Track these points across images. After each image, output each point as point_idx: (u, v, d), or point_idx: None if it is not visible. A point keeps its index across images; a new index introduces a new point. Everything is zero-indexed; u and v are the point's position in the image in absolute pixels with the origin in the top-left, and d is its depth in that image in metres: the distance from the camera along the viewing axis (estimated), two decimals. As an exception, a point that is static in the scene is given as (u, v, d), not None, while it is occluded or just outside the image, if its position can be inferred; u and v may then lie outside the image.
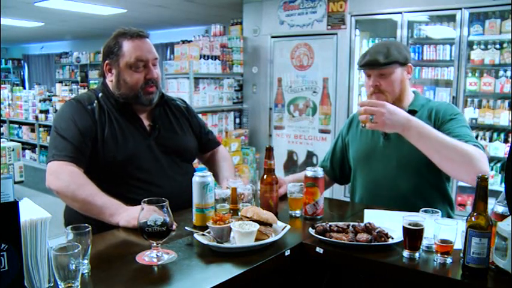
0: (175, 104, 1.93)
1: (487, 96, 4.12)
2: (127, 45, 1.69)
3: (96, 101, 1.73)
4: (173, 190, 1.70)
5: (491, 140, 4.08)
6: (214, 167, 2.00)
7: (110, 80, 1.75)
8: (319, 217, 1.63)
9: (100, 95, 1.76)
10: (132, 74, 1.69)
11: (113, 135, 1.68)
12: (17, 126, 7.24)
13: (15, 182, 3.15)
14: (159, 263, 1.20)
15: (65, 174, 1.57)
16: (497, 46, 3.97)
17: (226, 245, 1.31)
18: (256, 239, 1.31)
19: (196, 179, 1.50)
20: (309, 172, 1.64)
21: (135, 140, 1.72)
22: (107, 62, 1.74)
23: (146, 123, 1.78)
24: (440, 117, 1.80)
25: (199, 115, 5.42)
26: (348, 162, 2.07)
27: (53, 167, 1.60)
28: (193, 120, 1.96)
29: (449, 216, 1.85)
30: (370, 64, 1.81)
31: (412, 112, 1.84)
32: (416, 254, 1.26)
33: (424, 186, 1.82)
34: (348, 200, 2.13)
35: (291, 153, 5.39)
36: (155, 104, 1.79)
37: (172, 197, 1.60)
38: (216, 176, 1.89)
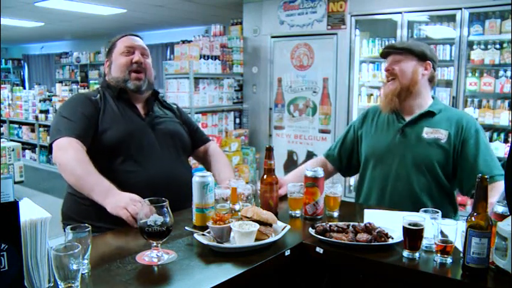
0: (167, 102, 2.07)
1: (487, 96, 4.12)
2: (120, 41, 1.92)
3: (98, 94, 1.86)
4: (164, 173, 1.76)
5: (491, 140, 4.08)
6: (211, 169, 2.02)
7: (107, 71, 1.93)
8: (319, 217, 1.64)
9: (100, 89, 1.91)
10: (121, 58, 1.87)
11: (112, 118, 1.79)
12: (17, 126, 7.24)
13: (15, 182, 3.15)
14: (159, 263, 1.21)
15: (71, 150, 1.64)
16: (497, 46, 3.97)
17: (226, 245, 1.31)
18: (256, 239, 1.32)
19: (196, 179, 1.50)
20: (309, 172, 1.64)
21: (131, 120, 1.82)
22: (106, 58, 1.96)
23: (142, 112, 1.89)
24: (464, 129, 1.84)
25: (199, 115, 5.43)
26: (357, 155, 2.08)
27: (62, 142, 1.67)
28: (183, 117, 2.07)
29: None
30: (388, 47, 1.97)
31: (430, 113, 1.89)
32: (416, 254, 1.26)
33: (436, 187, 1.84)
34: (349, 200, 2.13)
35: (291, 153, 5.39)
36: (149, 95, 1.93)
37: (165, 181, 1.71)
38: (215, 177, 1.91)
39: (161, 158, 1.80)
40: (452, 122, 1.86)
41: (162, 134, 1.85)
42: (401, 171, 1.86)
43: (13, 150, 3.27)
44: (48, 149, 1.73)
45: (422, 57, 1.89)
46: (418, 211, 1.76)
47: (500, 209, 1.19)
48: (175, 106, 2.08)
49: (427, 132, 1.86)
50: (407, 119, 1.93)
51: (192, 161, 2.04)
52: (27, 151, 6.99)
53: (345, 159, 2.10)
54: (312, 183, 1.62)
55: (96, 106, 1.79)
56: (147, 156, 1.77)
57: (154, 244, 1.22)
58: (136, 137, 1.78)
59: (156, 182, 1.70)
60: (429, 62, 1.91)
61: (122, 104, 1.84)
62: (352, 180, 4.64)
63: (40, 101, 6.73)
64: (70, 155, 1.63)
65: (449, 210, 1.88)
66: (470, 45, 4.09)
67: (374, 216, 1.58)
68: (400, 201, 1.84)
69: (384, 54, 1.98)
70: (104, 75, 1.98)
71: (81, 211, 1.69)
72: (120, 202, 1.47)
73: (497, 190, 1.63)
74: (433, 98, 1.98)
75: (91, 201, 1.63)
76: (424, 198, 1.82)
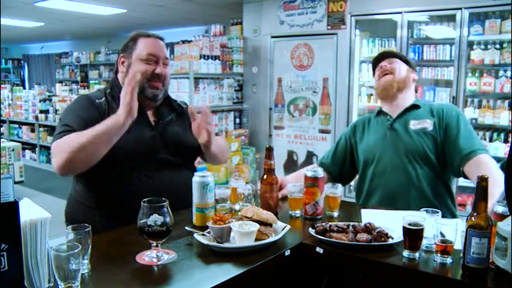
0: (177, 104, 1.98)
1: (487, 96, 4.12)
2: (142, 42, 1.80)
3: (104, 97, 1.78)
4: (171, 184, 1.72)
5: (491, 140, 4.08)
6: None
7: (122, 71, 1.82)
8: (319, 217, 1.64)
9: (108, 91, 1.81)
10: (142, 65, 1.76)
11: None
12: (17, 126, 7.24)
13: (15, 182, 3.15)
14: (159, 263, 1.21)
15: (63, 143, 1.55)
16: (497, 46, 3.97)
17: (226, 245, 1.31)
18: (256, 239, 1.32)
19: (196, 179, 1.50)
20: (309, 172, 1.64)
21: (139, 130, 1.73)
22: (121, 55, 1.83)
23: (152, 119, 1.82)
24: (445, 115, 1.95)
25: (199, 115, 5.41)
26: (349, 164, 2.14)
27: (55, 146, 1.58)
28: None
29: (451, 210, 1.93)
30: (386, 52, 2.22)
31: (415, 106, 2.03)
32: (416, 254, 1.26)
33: (431, 174, 1.91)
34: (349, 200, 2.15)
35: (291, 153, 5.39)
36: (160, 102, 1.85)
37: (170, 190, 1.63)
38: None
39: (168, 168, 1.75)
40: (435, 112, 1.98)
41: (171, 143, 1.79)
42: (397, 163, 1.93)
43: (13, 150, 3.27)
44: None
45: (412, 67, 2.11)
46: (419, 200, 1.82)
47: (500, 209, 1.19)
48: (185, 106, 2.01)
49: (414, 124, 1.98)
50: (395, 116, 2.04)
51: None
52: (27, 151, 6.99)
53: (337, 167, 2.15)
54: (312, 183, 1.62)
55: (100, 111, 1.71)
56: (153, 166, 1.71)
57: (154, 244, 1.22)
58: (144, 148, 1.71)
59: (161, 191, 1.64)
60: (416, 73, 2.12)
61: None
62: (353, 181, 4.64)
63: (40, 101, 6.73)
64: (66, 146, 1.52)
65: (448, 200, 1.94)
66: (470, 45, 4.09)
67: (372, 216, 1.58)
68: (401, 192, 1.90)
69: (378, 59, 2.13)
70: (115, 72, 1.87)
71: (85, 216, 1.66)
72: (122, 112, 1.52)
73: (485, 167, 1.70)
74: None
75: (96, 207, 1.64)
76: (422, 186, 1.89)
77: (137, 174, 1.69)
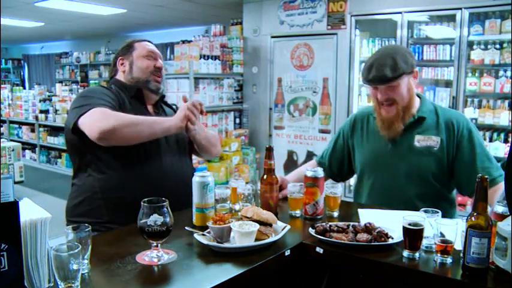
0: (168, 103, 2.11)
1: (487, 96, 4.12)
2: (139, 45, 1.96)
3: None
4: (168, 177, 1.78)
5: (491, 140, 4.08)
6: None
7: (123, 70, 1.94)
8: (319, 217, 1.64)
9: (113, 87, 1.91)
10: (145, 61, 1.92)
11: None
12: (17, 126, 7.23)
13: (15, 182, 3.15)
14: (159, 263, 1.21)
15: (111, 113, 1.64)
16: (497, 46, 3.97)
17: (226, 245, 1.31)
18: (256, 239, 1.32)
19: (196, 179, 1.50)
20: (309, 172, 1.64)
21: None
22: (120, 57, 1.96)
23: (151, 111, 1.94)
24: (455, 132, 1.80)
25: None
26: (348, 163, 2.08)
27: (100, 112, 1.63)
28: None
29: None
30: (377, 80, 1.77)
31: (421, 119, 1.84)
32: (416, 254, 1.26)
33: (431, 193, 1.83)
34: (349, 200, 2.13)
35: (291, 153, 5.39)
36: (158, 99, 1.98)
37: (168, 183, 1.74)
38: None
39: (165, 161, 1.80)
40: (443, 126, 1.82)
41: (167, 137, 1.84)
42: (397, 182, 1.85)
43: (13, 150, 3.28)
44: (73, 127, 1.66)
45: (411, 69, 1.81)
46: None
47: (500, 209, 1.19)
48: (175, 107, 2.12)
49: (419, 140, 1.82)
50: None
51: (192, 161, 2.05)
52: (27, 151, 6.98)
53: (336, 166, 2.09)
54: (312, 183, 1.62)
55: (118, 97, 1.81)
56: (151, 158, 1.76)
57: (154, 244, 1.22)
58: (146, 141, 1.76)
59: (159, 185, 1.71)
60: (415, 69, 1.84)
61: (134, 103, 1.86)
62: (353, 180, 4.64)
63: (40, 101, 6.72)
64: (113, 116, 1.62)
65: (448, 212, 1.86)
66: (470, 45, 4.09)
67: (371, 216, 1.58)
68: (399, 209, 1.81)
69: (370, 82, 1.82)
70: (112, 75, 1.97)
71: (90, 206, 1.71)
72: (179, 120, 1.70)
73: (500, 195, 1.57)
74: (418, 96, 1.91)
75: (102, 196, 1.69)
76: (421, 205, 1.76)
77: (134, 166, 1.74)
